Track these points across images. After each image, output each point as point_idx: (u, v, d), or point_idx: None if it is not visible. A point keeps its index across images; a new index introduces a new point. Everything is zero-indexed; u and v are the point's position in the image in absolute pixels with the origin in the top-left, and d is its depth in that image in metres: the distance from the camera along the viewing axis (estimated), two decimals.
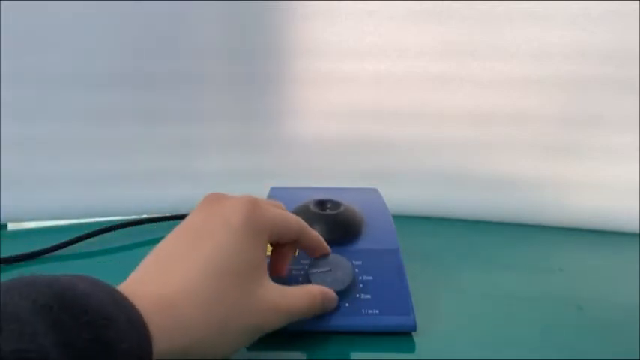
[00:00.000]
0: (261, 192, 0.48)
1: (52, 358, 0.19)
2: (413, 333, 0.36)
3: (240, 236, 0.29)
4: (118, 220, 0.57)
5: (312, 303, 0.33)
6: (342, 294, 0.36)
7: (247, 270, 0.29)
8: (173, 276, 0.27)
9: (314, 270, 0.37)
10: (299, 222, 0.35)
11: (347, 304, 0.36)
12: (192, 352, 0.26)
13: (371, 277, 0.38)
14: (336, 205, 0.43)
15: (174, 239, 0.30)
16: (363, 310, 0.36)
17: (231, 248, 0.29)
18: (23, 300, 0.20)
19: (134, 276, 0.28)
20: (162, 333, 0.24)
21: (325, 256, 0.38)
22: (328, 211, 0.43)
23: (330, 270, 0.37)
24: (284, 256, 0.36)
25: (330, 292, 0.35)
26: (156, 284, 0.27)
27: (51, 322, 0.20)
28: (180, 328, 0.25)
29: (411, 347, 0.35)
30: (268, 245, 0.35)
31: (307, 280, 0.37)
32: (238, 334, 0.28)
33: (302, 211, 0.42)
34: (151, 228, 0.56)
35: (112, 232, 0.54)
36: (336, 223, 0.41)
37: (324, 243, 0.37)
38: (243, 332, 0.28)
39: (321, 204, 0.44)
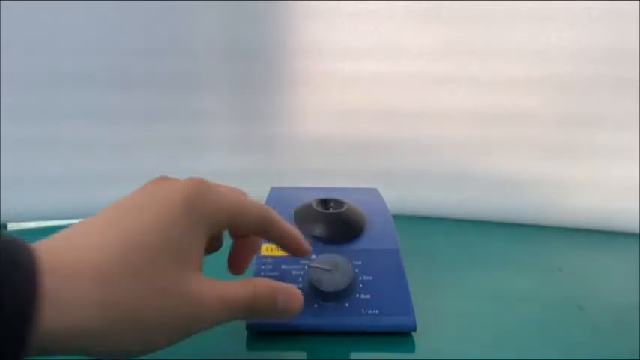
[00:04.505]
0: (262, 192, 0.48)
1: None
2: (413, 333, 0.36)
3: (176, 214, 0.26)
4: None
5: (256, 294, 0.27)
6: (342, 294, 0.36)
7: (176, 252, 0.25)
8: (89, 242, 0.24)
9: (315, 264, 0.37)
10: (264, 211, 0.30)
11: (347, 304, 0.36)
12: (92, 341, 0.22)
13: (371, 277, 0.38)
14: (339, 204, 0.43)
15: (106, 211, 0.27)
16: (363, 310, 0.36)
17: (162, 225, 0.25)
18: None
19: (51, 237, 0.24)
20: (54, 302, 0.21)
21: (319, 256, 0.37)
22: (331, 210, 0.43)
23: (330, 270, 0.37)
24: (244, 250, 0.33)
25: (288, 287, 0.29)
26: (68, 247, 0.23)
27: None
28: (80, 303, 0.21)
29: (411, 347, 0.35)
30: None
31: (307, 280, 0.37)
32: (156, 325, 0.24)
33: (305, 210, 0.42)
34: None
35: None
36: (340, 221, 0.41)
37: (301, 238, 0.33)
38: (162, 324, 0.24)
39: (324, 203, 0.44)
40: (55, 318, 0.21)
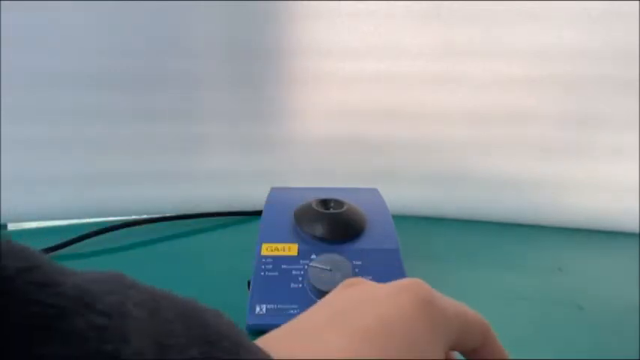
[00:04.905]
0: (262, 192, 0.48)
1: None
2: None
3: (414, 321, 0.20)
4: (118, 220, 0.57)
5: None
6: None
7: None
8: (320, 344, 0.19)
9: (315, 264, 0.37)
10: (485, 324, 0.24)
11: None
12: None
13: (371, 277, 0.38)
14: (339, 204, 0.43)
15: (313, 311, 0.22)
16: None
17: (400, 328, 0.19)
18: None
19: (268, 337, 0.19)
20: None
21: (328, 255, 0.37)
22: (331, 210, 0.43)
23: (330, 270, 0.37)
24: None
25: None
26: (298, 348, 0.19)
27: None
28: None
29: None
30: None
31: (307, 280, 0.37)
32: None
33: (305, 210, 0.42)
34: (151, 228, 0.56)
35: (112, 232, 0.54)
36: (340, 221, 0.41)
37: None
38: None
39: (324, 203, 0.44)
40: None
